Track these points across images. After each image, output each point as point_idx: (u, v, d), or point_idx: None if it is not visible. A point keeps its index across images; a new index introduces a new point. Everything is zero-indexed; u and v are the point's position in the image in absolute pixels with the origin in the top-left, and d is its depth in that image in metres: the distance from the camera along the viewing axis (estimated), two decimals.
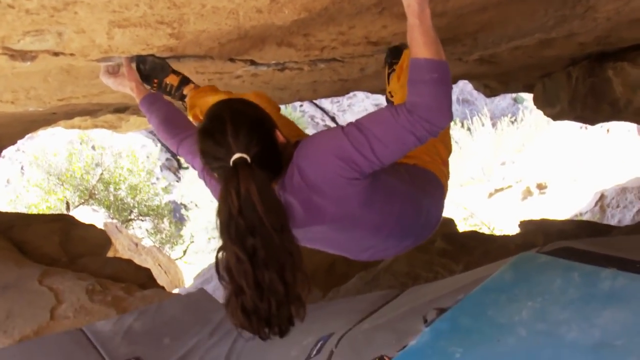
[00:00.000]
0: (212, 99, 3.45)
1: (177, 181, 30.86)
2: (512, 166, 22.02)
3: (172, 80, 3.77)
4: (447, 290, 3.80)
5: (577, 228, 6.96)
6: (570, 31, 4.46)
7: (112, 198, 20.13)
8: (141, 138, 29.73)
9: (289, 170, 2.64)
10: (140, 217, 21.52)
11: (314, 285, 7.35)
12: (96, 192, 19.66)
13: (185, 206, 28.56)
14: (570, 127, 18.97)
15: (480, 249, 6.58)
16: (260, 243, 2.30)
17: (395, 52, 4.04)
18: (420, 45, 2.53)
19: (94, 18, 2.69)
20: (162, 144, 31.04)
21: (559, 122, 17.94)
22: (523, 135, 23.76)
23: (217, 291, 7.72)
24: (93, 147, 20.75)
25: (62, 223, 7.47)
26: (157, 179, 24.45)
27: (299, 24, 3.26)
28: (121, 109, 6.84)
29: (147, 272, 6.95)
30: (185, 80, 3.83)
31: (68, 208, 18.03)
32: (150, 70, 3.64)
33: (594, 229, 6.94)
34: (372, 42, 3.93)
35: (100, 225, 10.79)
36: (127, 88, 3.61)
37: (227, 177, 2.41)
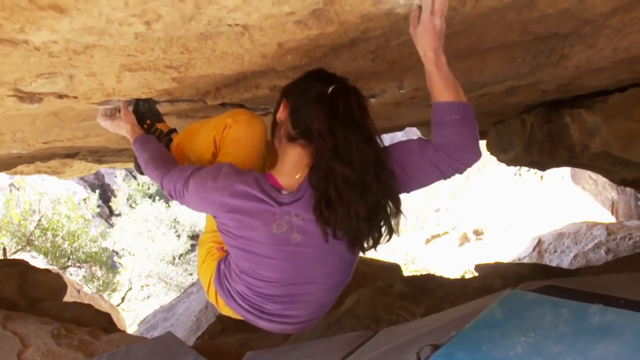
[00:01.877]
0: (201, 136, 3.52)
1: (110, 228, 30.58)
2: (446, 213, 22.25)
3: (162, 127, 3.83)
4: (426, 329, 3.86)
5: (532, 271, 7.08)
6: (539, 79, 4.60)
7: (49, 245, 19.81)
8: (73, 185, 29.46)
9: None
10: (77, 264, 21.21)
11: None
12: (34, 239, 19.33)
13: (117, 253, 28.31)
14: (502, 175, 19.28)
15: (440, 292, 6.65)
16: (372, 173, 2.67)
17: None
18: (441, 89, 2.67)
19: (108, 61, 2.75)
20: (100, 191, 30.85)
21: (490, 170, 18.25)
22: (455, 182, 24.04)
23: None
24: (27, 195, 20.44)
25: (18, 267, 7.38)
26: (92, 225, 24.11)
27: (296, 70, 3.34)
28: (71, 155, 6.82)
29: (107, 316, 6.90)
30: (173, 130, 3.89)
31: (5, 254, 17.71)
32: (146, 112, 3.70)
33: (548, 271, 7.06)
34: (362, 88, 4.03)
35: None
36: (123, 130, 3.71)
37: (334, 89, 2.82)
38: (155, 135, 3.80)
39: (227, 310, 3.26)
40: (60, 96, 3.14)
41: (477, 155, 2.76)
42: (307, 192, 2.78)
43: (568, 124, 6.24)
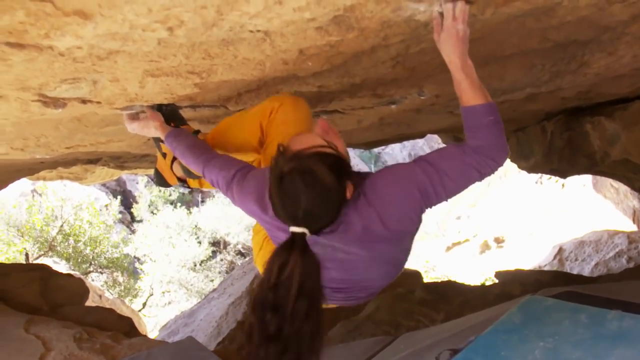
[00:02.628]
0: (244, 124, 3.54)
1: (131, 234, 30.64)
2: (467, 220, 22.16)
3: (187, 128, 3.81)
4: (446, 334, 3.88)
5: (553, 278, 7.07)
6: (558, 86, 4.60)
7: (71, 250, 19.86)
8: (94, 191, 29.54)
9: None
10: (99, 270, 21.27)
11: None
12: (56, 244, 19.39)
13: (139, 259, 28.36)
14: (524, 182, 19.20)
15: (459, 298, 6.65)
16: (276, 322, 2.24)
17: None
18: (470, 94, 2.71)
19: (131, 67, 2.78)
20: (122, 197, 30.94)
21: (512, 178, 18.18)
22: (476, 190, 23.96)
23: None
24: (50, 201, 20.51)
25: (41, 272, 7.42)
26: (113, 232, 24.17)
27: (317, 76, 3.37)
28: (93, 160, 6.86)
29: (129, 320, 6.93)
30: (198, 131, 3.87)
31: (27, 259, 17.79)
32: (170, 113, 3.71)
33: (569, 278, 7.05)
34: (377, 95, 4.04)
35: None
36: (151, 129, 3.65)
37: (279, 249, 2.37)
38: None
39: None
40: (84, 101, 3.18)
41: (508, 151, 2.80)
42: (342, 225, 2.65)
43: (588, 132, 6.22)
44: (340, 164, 2.52)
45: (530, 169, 8.35)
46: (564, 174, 7.96)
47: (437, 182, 2.69)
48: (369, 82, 3.53)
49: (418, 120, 5.34)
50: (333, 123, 4.83)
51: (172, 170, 4.05)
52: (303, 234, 2.40)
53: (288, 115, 3.28)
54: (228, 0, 2.18)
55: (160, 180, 4.27)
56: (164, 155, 4.03)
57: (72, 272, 15.91)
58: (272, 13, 2.38)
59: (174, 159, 4.01)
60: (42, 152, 4.77)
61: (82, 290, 7.66)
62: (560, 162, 7.08)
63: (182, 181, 4.12)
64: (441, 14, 2.64)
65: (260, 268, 3.31)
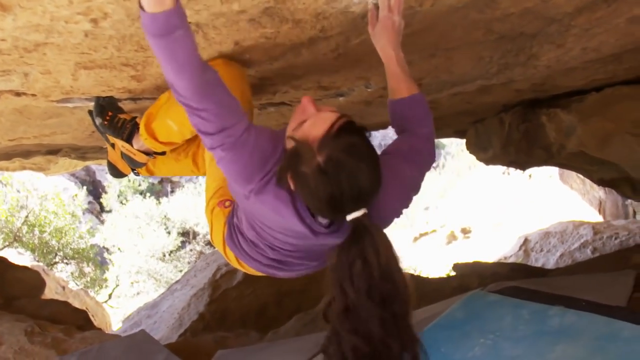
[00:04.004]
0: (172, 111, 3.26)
1: (100, 224, 30.53)
2: (435, 211, 22.27)
3: (125, 116, 3.74)
4: None
5: (511, 271, 7.07)
6: (510, 78, 4.59)
7: (37, 241, 19.73)
8: (63, 181, 29.39)
9: None
10: (65, 261, 21.15)
11: (248, 327, 7.37)
12: (21, 235, 19.26)
13: (108, 250, 28.26)
14: (492, 173, 19.30)
15: (417, 291, 6.64)
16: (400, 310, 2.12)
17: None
18: (407, 84, 2.77)
19: (62, 59, 2.73)
20: (88, 187, 30.77)
21: (480, 169, 18.26)
22: (445, 180, 24.08)
23: (152, 333, 7.67)
24: (18, 190, 20.34)
25: None
26: (81, 222, 24.00)
27: (256, 67, 3.33)
28: (54, 151, 6.79)
29: (84, 314, 6.86)
30: (135, 117, 3.76)
31: None
32: (107, 104, 3.63)
33: (528, 271, 7.05)
34: (323, 87, 4.00)
35: None
36: None
37: (349, 243, 2.16)
38: (119, 125, 3.70)
39: (251, 271, 3.07)
40: (18, 94, 3.13)
41: None
42: (344, 226, 2.37)
43: (544, 124, 6.22)
44: (361, 127, 2.30)
45: (489, 161, 8.36)
46: (522, 166, 7.97)
47: (422, 178, 2.73)
48: (312, 74, 3.49)
49: (369, 113, 5.31)
50: (282, 115, 4.81)
51: (123, 159, 3.98)
52: (365, 214, 2.20)
53: (220, 71, 3.06)
54: None
55: (114, 172, 4.21)
56: (113, 145, 3.96)
57: (37, 264, 15.85)
58: (199, 5, 2.35)
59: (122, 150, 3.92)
60: None
61: (39, 282, 7.59)
62: (518, 154, 7.09)
63: (134, 170, 4.06)
64: (376, 6, 2.62)
65: (217, 245, 3.18)
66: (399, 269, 2.13)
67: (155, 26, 2.11)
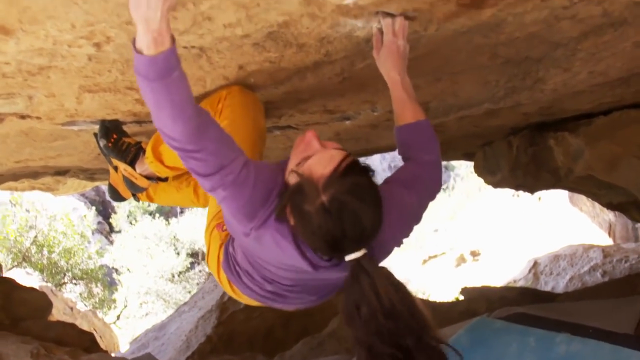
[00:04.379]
0: None
1: (109, 245, 30.55)
2: (445, 233, 22.22)
3: (129, 140, 3.73)
4: None
5: (519, 295, 7.03)
6: (517, 102, 4.57)
7: (45, 261, 19.71)
8: (73, 201, 29.43)
9: None
10: (74, 281, 21.12)
11: (255, 350, 7.35)
12: (30, 255, 19.25)
13: (117, 270, 28.25)
14: (502, 196, 19.26)
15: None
16: (415, 345, 2.04)
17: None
18: (413, 110, 2.76)
19: (66, 82, 2.73)
20: (97, 207, 30.80)
21: (490, 191, 18.23)
22: (455, 202, 24.05)
23: (159, 355, 7.67)
24: (27, 210, 20.35)
25: (3, 286, 7.33)
26: (89, 242, 24.00)
27: (261, 91, 3.33)
28: (62, 172, 6.79)
29: (90, 336, 6.85)
30: (140, 142, 3.76)
31: (0, 270, 17.67)
32: (112, 126, 3.63)
33: (536, 295, 7.01)
34: (329, 111, 4.00)
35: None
36: (141, 16, 1.96)
37: (351, 284, 2.13)
38: (123, 148, 3.70)
39: (244, 299, 3.01)
40: (23, 116, 3.13)
41: None
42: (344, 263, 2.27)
43: (552, 147, 6.20)
44: (365, 167, 2.28)
45: (497, 184, 8.33)
46: (530, 190, 7.94)
47: (424, 207, 2.71)
48: (317, 98, 3.48)
49: (376, 136, 5.31)
50: (288, 139, 4.80)
51: (124, 183, 3.97)
52: (365, 255, 2.15)
53: (235, 99, 3.10)
54: None
55: (114, 195, 4.20)
56: (115, 168, 3.96)
57: (45, 284, 15.82)
58: (203, 29, 2.35)
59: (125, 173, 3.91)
60: None
61: (46, 303, 7.57)
62: (526, 178, 7.06)
63: (135, 195, 4.05)
64: (380, 30, 2.61)
65: (212, 269, 3.12)
66: (406, 302, 2.07)
67: (154, 69, 2.04)
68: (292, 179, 2.25)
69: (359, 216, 2.10)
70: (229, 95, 3.10)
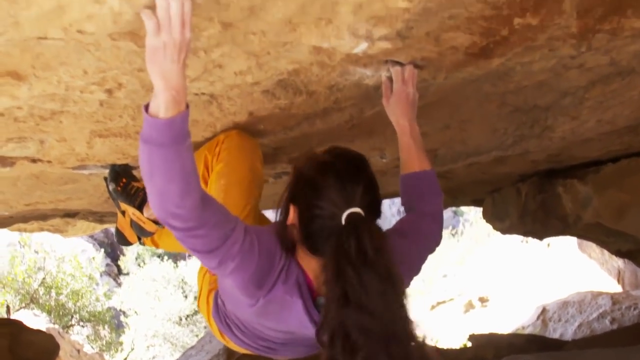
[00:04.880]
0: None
1: (117, 287, 30.48)
2: (453, 279, 22.11)
3: (138, 184, 3.74)
4: None
5: (527, 342, 7.01)
6: (525, 149, 4.58)
7: (53, 303, 19.67)
8: (82, 242, 29.43)
9: None
10: (81, 323, 21.07)
11: None
12: (38, 297, 19.22)
13: (124, 313, 28.16)
14: (511, 241, 19.18)
15: None
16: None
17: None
18: (420, 159, 2.77)
19: (77, 127, 2.75)
20: (106, 249, 30.80)
21: (499, 236, 18.22)
22: (464, 247, 23.97)
23: None
24: (36, 251, 20.36)
25: (11, 327, 7.35)
26: (98, 284, 23.96)
27: (271, 137, 3.35)
28: (71, 214, 6.81)
29: None
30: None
31: (8, 311, 17.63)
32: (122, 170, 3.64)
33: (544, 343, 6.99)
34: None
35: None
36: (159, 73, 1.87)
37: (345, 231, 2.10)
38: (132, 192, 3.71)
39: (235, 347, 2.91)
40: (34, 160, 3.14)
41: None
42: None
43: (561, 194, 6.21)
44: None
45: (505, 231, 8.32)
46: (539, 236, 7.93)
47: (423, 260, 2.68)
48: (326, 143, 3.49)
49: (384, 183, 5.27)
50: None
51: (131, 228, 3.97)
52: (360, 213, 2.14)
53: (232, 142, 3.09)
54: None
55: (121, 239, 4.20)
56: (123, 213, 3.97)
57: (52, 326, 15.79)
58: (213, 77, 2.37)
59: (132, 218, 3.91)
60: (1, 209, 4.73)
61: (52, 346, 7.58)
62: (534, 224, 7.06)
63: (140, 239, 4.05)
64: (389, 79, 2.63)
65: (202, 313, 3.06)
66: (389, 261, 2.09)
67: (171, 133, 1.91)
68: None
69: (356, 172, 2.25)
70: (227, 138, 3.09)
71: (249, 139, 3.16)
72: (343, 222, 2.11)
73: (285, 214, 2.35)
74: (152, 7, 1.71)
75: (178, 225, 2.09)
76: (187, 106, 1.94)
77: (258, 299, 2.30)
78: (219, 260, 2.21)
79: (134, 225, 3.85)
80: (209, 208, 2.13)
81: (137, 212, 3.74)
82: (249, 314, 2.50)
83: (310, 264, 2.32)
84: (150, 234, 3.85)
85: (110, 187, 3.68)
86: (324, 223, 2.19)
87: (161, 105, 1.87)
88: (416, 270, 2.66)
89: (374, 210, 2.25)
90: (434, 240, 2.74)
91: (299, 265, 2.34)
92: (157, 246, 4.02)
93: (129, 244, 4.20)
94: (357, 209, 2.13)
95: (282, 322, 2.42)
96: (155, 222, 3.72)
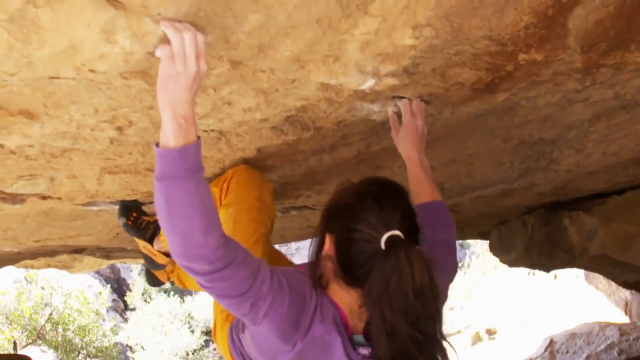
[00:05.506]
0: None
1: (124, 322, 30.40)
2: (460, 311, 22.02)
3: (149, 218, 3.76)
4: None
5: None
6: (531, 182, 4.60)
7: (60, 339, 19.63)
8: (88, 278, 29.37)
9: None
10: (88, 359, 21.01)
11: None
12: (44, 333, 19.17)
13: (131, 348, 28.08)
14: (517, 273, 19.14)
15: None
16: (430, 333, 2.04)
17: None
18: (431, 190, 2.74)
19: (87, 164, 2.78)
20: (112, 285, 30.77)
21: (506, 268, 18.20)
22: (470, 280, 23.91)
23: None
24: (42, 287, 20.34)
25: None
26: (104, 320, 23.91)
27: (280, 173, 3.37)
28: (78, 250, 6.83)
29: None
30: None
31: (15, 348, 17.57)
32: (132, 205, 3.66)
33: None
34: None
35: None
36: (168, 103, 1.80)
37: (397, 252, 2.02)
38: (142, 226, 3.73)
39: None
40: (44, 197, 3.17)
41: None
42: None
43: (567, 226, 6.22)
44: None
45: (512, 263, 8.32)
46: (545, 268, 7.92)
47: (446, 290, 2.62)
48: (334, 178, 3.51)
49: None
50: (305, 219, 4.83)
51: (144, 260, 3.96)
52: (400, 236, 2.07)
53: (240, 175, 3.10)
54: None
55: (151, 280, 4.17)
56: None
57: None
58: (222, 114, 2.39)
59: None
60: (10, 245, 4.75)
61: None
62: (540, 257, 7.05)
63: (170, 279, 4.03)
64: (396, 113, 2.66)
65: (220, 348, 3.00)
66: (433, 286, 2.05)
67: (185, 164, 1.82)
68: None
69: (397, 198, 2.19)
70: (235, 173, 3.12)
71: (257, 172, 3.17)
72: (383, 246, 2.04)
73: (319, 244, 2.28)
74: (167, 42, 1.73)
75: (203, 268, 1.96)
76: (199, 137, 1.86)
77: (295, 343, 2.17)
78: (250, 303, 2.08)
79: (145, 258, 3.86)
80: (232, 245, 2.03)
81: (147, 245, 3.75)
82: None
83: (345, 299, 2.24)
84: (161, 267, 3.85)
85: (121, 222, 3.70)
86: (363, 247, 2.11)
87: (170, 135, 1.80)
88: (445, 298, 2.56)
89: (413, 236, 2.18)
90: (452, 269, 2.74)
91: (332, 301, 2.24)
92: (184, 286, 3.98)
93: (160, 284, 4.18)
94: (397, 232, 2.07)
95: None
96: (167, 254, 3.73)
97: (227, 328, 2.84)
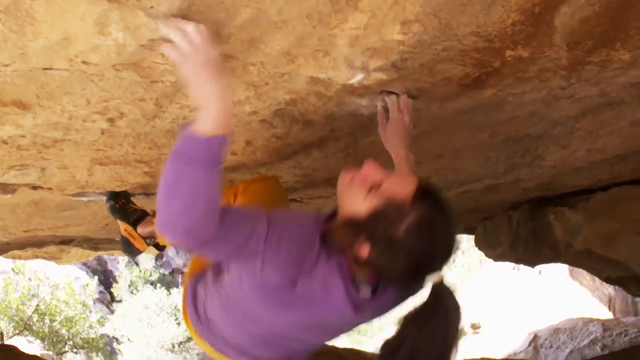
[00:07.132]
0: None
1: (110, 314, 30.34)
2: None
3: (136, 207, 3.76)
4: None
5: None
6: (517, 178, 4.63)
7: (47, 330, 19.59)
8: (75, 270, 29.29)
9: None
10: (74, 350, 20.97)
11: None
12: (31, 324, 19.13)
13: (117, 340, 28.02)
14: (502, 269, 19.19)
15: None
16: None
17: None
18: None
19: (78, 155, 2.79)
20: (99, 277, 30.68)
21: (491, 264, 18.22)
22: (456, 276, 23.94)
23: None
24: (30, 279, 20.29)
25: (6, 353, 7.33)
26: (91, 311, 23.86)
27: (267, 166, 3.39)
28: (66, 241, 6.82)
29: None
30: (144, 210, 3.79)
31: (2, 338, 17.53)
32: (122, 193, 3.67)
33: None
34: (333, 185, 4.05)
35: None
36: (200, 87, 1.84)
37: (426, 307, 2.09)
38: (129, 211, 3.73)
39: (204, 346, 2.74)
40: (34, 187, 3.18)
41: None
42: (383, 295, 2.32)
43: (552, 222, 6.23)
44: (438, 188, 2.26)
45: (497, 258, 8.33)
46: (530, 264, 7.93)
47: None
48: (322, 172, 3.53)
49: None
50: None
51: (121, 244, 3.93)
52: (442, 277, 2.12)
53: (255, 185, 3.12)
54: (166, 93, 2.20)
55: (130, 250, 4.11)
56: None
57: (46, 352, 15.72)
58: None
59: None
60: (0, 236, 4.75)
61: None
62: (525, 252, 7.07)
63: (151, 237, 3.93)
64: (384, 108, 2.67)
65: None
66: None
67: (208, 152, 1.84)
68: (364, 208, 2.11)
69: (451, 231, 2.14)
70: (253, 183, 3.15)
71: (272, 177, 3.19)
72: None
73: (351, 238, 2.15)
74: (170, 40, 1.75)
75: (194, 242, 2.00)
76: (231, 133, 1.89)
77: (296, 282, 2.14)
78: (243, 259, 2.15)
79: (123, 241, 3.85)
80: (226, 222, 2.01)
81: (129, 228, 3.74)
82: (280, 312, 2.30)
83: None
84: (138, 253, 3.82)
85: (108, 205, 3.70)
86: (406, 284, 2.24)
87: (208, 122, 1.81)
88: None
89: None
90: None
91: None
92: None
93: (138, 253, 4.11)
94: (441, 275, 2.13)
95: (317, 308, 2.26)
96: (146, 239, 3.74)
97: (188, 285, 2.83)
